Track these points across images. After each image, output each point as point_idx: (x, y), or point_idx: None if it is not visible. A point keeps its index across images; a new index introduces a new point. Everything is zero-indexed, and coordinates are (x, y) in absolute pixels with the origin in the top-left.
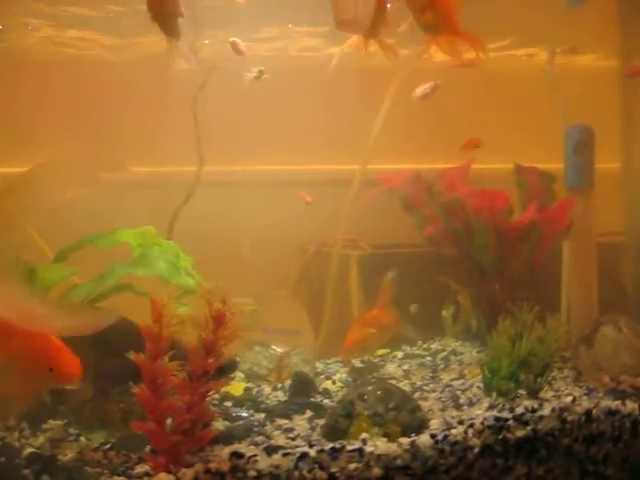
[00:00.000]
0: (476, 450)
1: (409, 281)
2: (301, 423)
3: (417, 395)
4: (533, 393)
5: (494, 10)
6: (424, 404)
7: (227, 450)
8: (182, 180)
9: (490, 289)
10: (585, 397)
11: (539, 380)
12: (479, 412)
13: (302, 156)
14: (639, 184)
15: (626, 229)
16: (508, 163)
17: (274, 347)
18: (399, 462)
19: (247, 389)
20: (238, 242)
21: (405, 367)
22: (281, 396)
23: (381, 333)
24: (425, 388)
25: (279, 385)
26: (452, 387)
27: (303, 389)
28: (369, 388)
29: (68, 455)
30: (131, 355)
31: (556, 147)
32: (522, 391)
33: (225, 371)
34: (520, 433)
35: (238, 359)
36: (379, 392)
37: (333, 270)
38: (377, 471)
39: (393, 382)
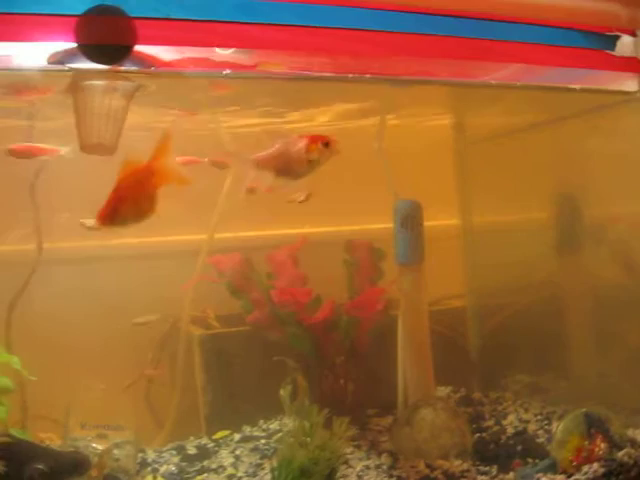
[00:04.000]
0: None
1: (255, 359)
2: None
3: None
4: None
5: None
6: None
7: None
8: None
9: (317, 374)
10: None
11: None
12: None
13: (154, 228)
14: (477, 242)
15: (467, 291)
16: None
17: (94, 444)
18: None
19: None
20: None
21: (238, 452)
22: None
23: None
24: None
25: None
26: None
27: None
28: None
29: None
30: None
31: None
32: None
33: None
34: None
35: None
36: None
37: (180, 351)
38: None
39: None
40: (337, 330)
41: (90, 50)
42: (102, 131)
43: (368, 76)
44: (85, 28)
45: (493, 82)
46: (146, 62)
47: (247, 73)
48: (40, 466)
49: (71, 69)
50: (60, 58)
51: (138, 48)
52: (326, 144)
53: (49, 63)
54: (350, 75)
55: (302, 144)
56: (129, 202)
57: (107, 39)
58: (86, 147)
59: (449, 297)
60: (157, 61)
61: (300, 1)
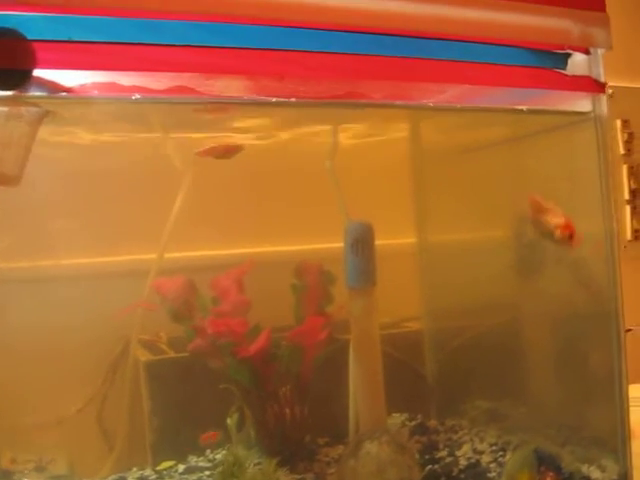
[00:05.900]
0: None
1: (202, 386)
2: None
3: None
4: None
5: None
6: None
7: None
8: None
9: (260, 403)
10: None
11: None
12: None
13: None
14: (434, 262)
15: (424, 313)
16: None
17: (25, 479)
18: None
19: None
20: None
21: None
22: None
23: None
24: None
25: None
26: None
27: None
28: None
29: None
30: None
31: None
32: None
33: None
34: None
35: None
36: None
37: (127, 377)
38: None
39: None
40: (277, 360)
41: None
42: (3, 160)
43: (285, 99)
44: None
45: (431, 104)
46: (49, 87)
47: (161, 98)
48: None
49: None
50: None
51: (38, 73)
52: (570, 237)
53: None
54: (275, 99)
55: (562, 221)
56: None
57: (1, 63)
58: None
59: (405, 320)
60: (60, 86)
61: (215, 20)
